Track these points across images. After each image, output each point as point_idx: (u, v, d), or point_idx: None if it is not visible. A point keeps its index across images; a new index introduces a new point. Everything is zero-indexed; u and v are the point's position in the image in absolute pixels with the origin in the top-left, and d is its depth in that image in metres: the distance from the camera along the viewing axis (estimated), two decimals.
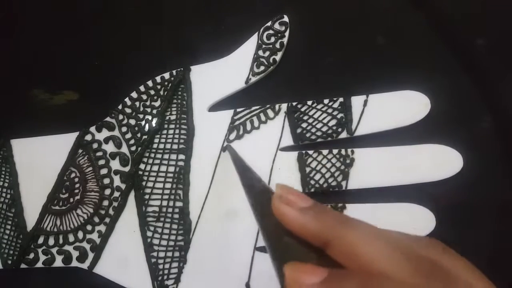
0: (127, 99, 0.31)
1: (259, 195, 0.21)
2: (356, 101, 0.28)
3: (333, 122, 0.28)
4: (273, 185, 0.28)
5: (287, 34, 0.30)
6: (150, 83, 0.31)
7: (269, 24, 0.30)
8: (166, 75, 0.31)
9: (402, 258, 0.15)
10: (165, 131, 0.30)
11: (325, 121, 0.28)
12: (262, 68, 0.30)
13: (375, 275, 0.15)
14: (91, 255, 0.29)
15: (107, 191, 0.30)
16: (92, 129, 0.31)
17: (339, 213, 0.18)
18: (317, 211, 0.17)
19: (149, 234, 0.29)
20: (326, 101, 0.29)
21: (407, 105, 0.27)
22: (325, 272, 0.15)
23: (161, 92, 0.30)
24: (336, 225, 0.17)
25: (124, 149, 0.30)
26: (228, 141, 0.29)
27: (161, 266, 0.28)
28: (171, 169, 0.29)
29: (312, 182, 0.28)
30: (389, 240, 0.16)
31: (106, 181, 0.30)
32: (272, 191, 0.21)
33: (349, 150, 0.28)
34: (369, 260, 0.15)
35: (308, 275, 0.15)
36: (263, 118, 0.29)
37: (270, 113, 0.29)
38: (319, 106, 0.29)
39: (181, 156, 0.30)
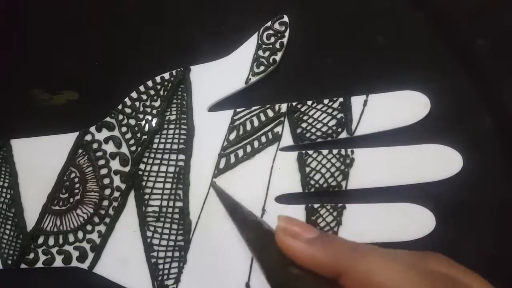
0: (127, 99, 0.31)
1: (254, 229, 0.20)
2: (356, 101, 0.28)
3: (333, 122, 0.28)
4: (273, 185, 0.28)
5: (287, 34, 0.30)
6: (150, 83, 0.31)
7: (269, 24, 0.30)
8: (166, 75, 0.31)
9: (418, 279, 0.15)
10: (165, 131, 0.30)
11: (325, 121, 0.28)
12: (262, 68, 0.30)
13: None
14: (91, 255, 0.29)
15: (107, 191, 0.30)
16: (92, 129, 0.31)
17: (347, 240, 0.17)
18: (325, 241, 0.17)
19: (149, 234, 0.29)
20: (326, 101, 0.28)
21: (407, 105, 0.27)
22: None
23: (161, 92, 0.30)
24: (347, 254, 0.16)
25: (124, 149, 0.30)
26: (228, 141, 0.29)
27: (161, 266, 0.28)
28: (171, 169, 0.29)
29: (312, 182, 0.28)
30: (401, 263, 0.16)
31: (106, 181, 0.30)
32: (266, 223, 0.20)
33: (349, 150, 0.28)
34: (388, 286, 0.15)
35: None
36: (263, 118, 0.29)
37: (270, 113, 0.29)
38: (319, 106, 0.29)
39: (181, 156, 0.30)
